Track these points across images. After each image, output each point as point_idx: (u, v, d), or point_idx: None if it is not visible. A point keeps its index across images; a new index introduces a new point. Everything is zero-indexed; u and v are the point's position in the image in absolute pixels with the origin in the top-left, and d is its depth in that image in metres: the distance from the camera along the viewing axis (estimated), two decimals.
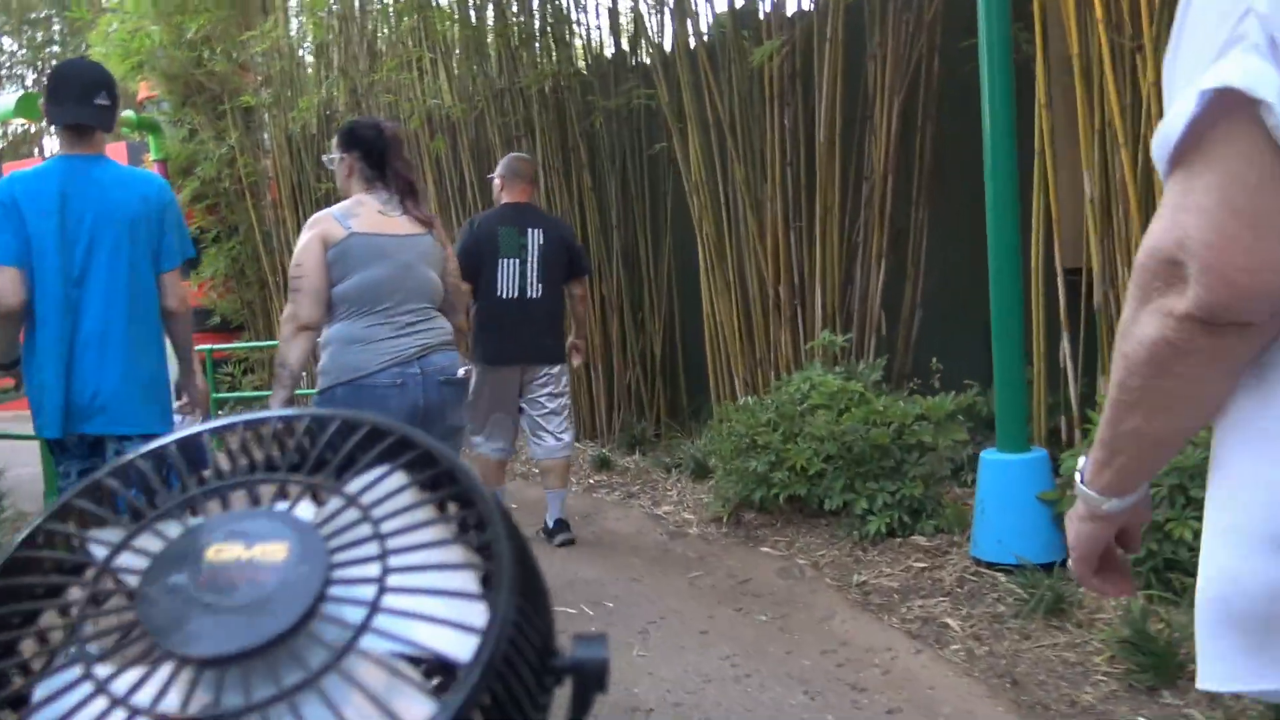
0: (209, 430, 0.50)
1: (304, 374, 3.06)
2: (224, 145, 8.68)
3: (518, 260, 3.79)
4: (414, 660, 0.43)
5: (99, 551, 0.45)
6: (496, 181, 4.04)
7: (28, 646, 0.45)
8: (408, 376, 2.47)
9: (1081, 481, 0.91)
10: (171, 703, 0.41)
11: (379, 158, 2.63)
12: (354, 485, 0.46)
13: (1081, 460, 0.92)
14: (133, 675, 0.42)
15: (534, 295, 3.82)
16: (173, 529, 0.45)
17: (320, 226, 2.54)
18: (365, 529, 0.44)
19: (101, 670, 0.43)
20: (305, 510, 0.46)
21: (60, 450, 2.68)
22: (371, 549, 0.43)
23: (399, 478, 0.47)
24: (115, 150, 11.16)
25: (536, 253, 3.83)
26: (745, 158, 5.18)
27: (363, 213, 2.56)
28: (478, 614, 0.42)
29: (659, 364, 6.47)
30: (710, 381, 5.70)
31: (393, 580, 0.42)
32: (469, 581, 0.44)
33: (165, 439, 0.50)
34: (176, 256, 2.73)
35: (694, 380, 6.55)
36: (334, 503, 0.45)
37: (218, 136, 8.77)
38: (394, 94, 7.51)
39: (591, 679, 0.46)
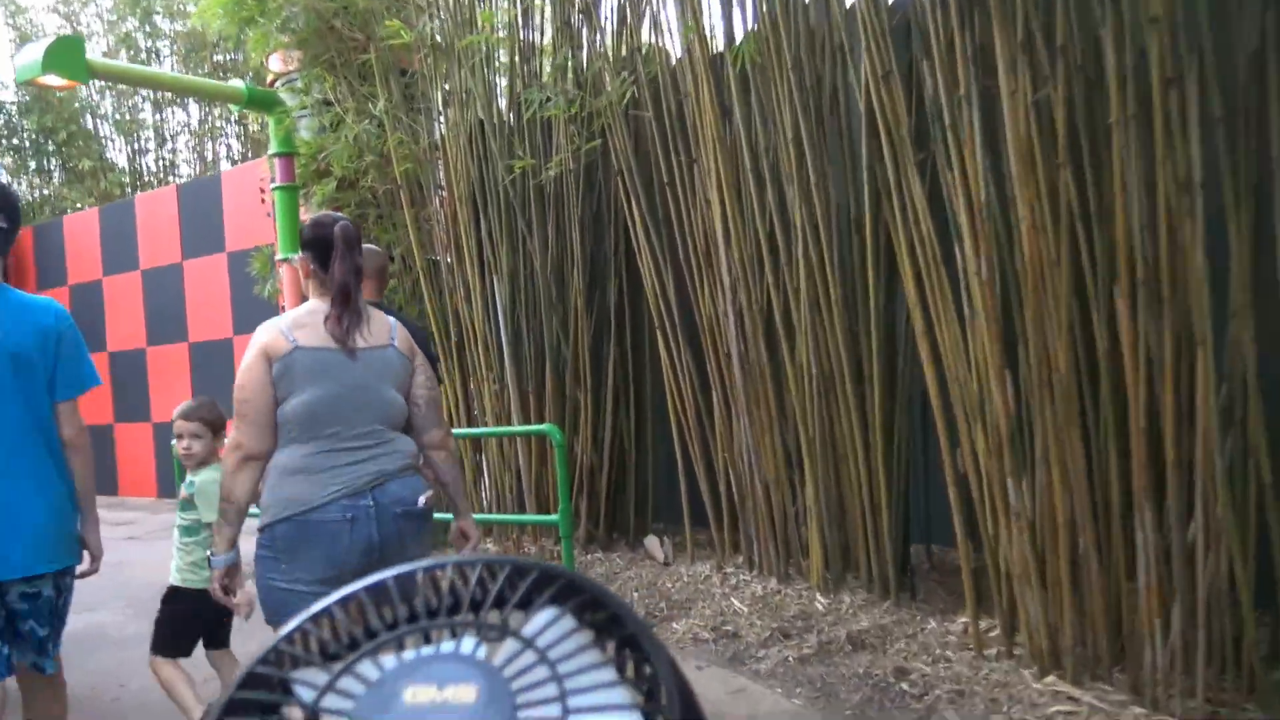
0: (393, 577, 0.51)
1: None
2: (368, 120, 5.57)
3: None
4: None
5: (304, 693, 0.47)
6: None
7: None
8: (359, 510, 2.22)
9: None
10: None
11: (326, 260, 2.34)
12: (528, 629, 0.48)
13: None
14: None
15: None
16: (369, 670, 0.47)
17: (264, 340, 2.29)
18: (543, 671, 0.45)
19: None
20: (480, 653, 0.48)
21: None
22: (551, 690, 0.44)
23: (568, 620, 0.48)
24: (256, 166, 8.43)
25: None
26: None
27: (312, 323, 2.31)
28: None
29: None
30: None
31: None
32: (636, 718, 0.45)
33: (356, 586, 0.51)
34: (73, 387, 2.58)
35: None
36: (511, 645, 0.47)
37: (360, 112, 5.68)
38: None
39: None
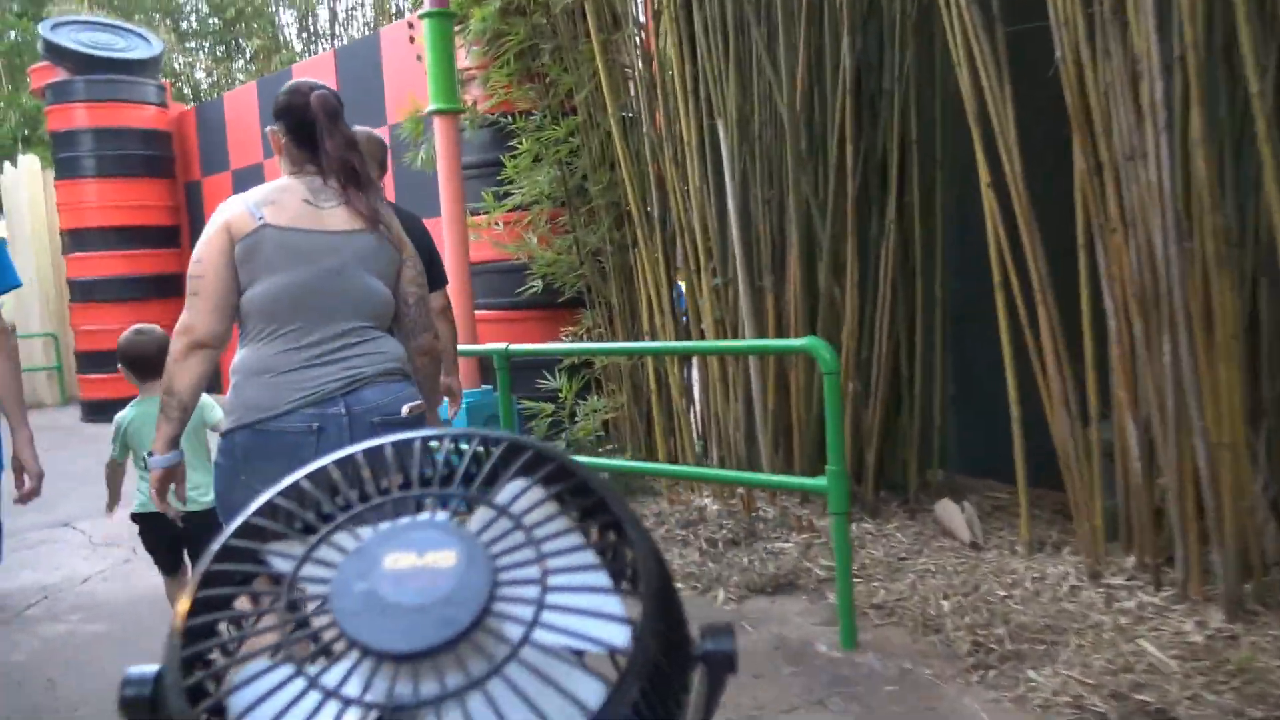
0: (362, 451, 0.54)
1: None
2: None
3: None
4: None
5: (280, 564, 0.50)
6: None
7: (216, 654, 0.49)
8: (327, 419, 2.00)
9: None
10: (377, 694, 0.47)
11: (309, 133, 2.12)
12: (500, 498, 0.51)
13: None
14: (338, 672, 0.48)
15: None
16: (346, 541, 0.50)
17: (227, 215, 2.06)
18: (519, 536, 0.49)
19: (312, 669, 0.48)
20: (453, 522, 0.51)
21: None
22: (528, 553, 0.48)
23: (537, 490, 0.52)
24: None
25: None
26: None
27: (284, 200, 2.09)
28: (624, 608, 0.48)
29: None
30: None
31: (552, 580, 0.48)
32: (607, 580, 0.49)
33: (324, 461, 0.55)
34: None
35: None
36: (484, 513, 0.51)
37: None
38: None
39: (721, 666, 0.52)
